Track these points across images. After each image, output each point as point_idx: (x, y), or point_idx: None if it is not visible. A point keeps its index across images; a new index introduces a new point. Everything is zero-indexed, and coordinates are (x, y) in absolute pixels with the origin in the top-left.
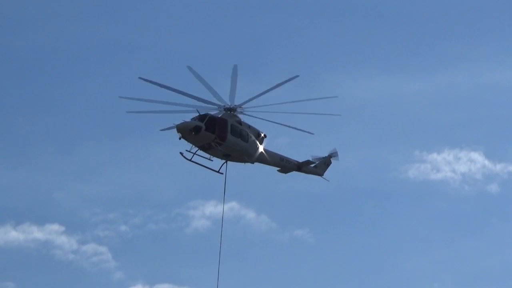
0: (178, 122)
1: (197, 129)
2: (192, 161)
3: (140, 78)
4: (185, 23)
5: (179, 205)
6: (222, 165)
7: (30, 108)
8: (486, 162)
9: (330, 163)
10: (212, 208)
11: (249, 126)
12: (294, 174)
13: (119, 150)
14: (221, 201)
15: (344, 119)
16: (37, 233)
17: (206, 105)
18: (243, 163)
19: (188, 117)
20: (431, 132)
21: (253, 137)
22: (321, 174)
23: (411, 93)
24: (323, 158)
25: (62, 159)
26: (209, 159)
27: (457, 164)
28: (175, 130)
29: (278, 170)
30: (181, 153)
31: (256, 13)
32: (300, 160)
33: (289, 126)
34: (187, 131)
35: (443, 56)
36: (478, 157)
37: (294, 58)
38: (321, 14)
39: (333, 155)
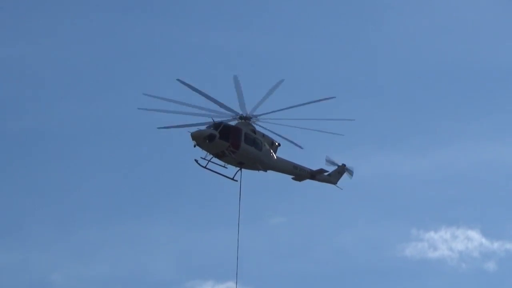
0: (192, 130)
1: (211, 137)
2: (207, 168)
3: (178, 80)
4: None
5: (177, 285)
6: (237, 172)
7: (28, 189)
8: (483, 240)
9: (344, 172)
10: None
11: (263, 135)
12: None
13: (116, 230)
14: (219, 281)
15: (342, 197)
16: None
17: (224, 111)
18: (257, 171)
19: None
20: (428, 211)
21: (267, 146)
22: (334, 183)
23: (408, 171)
24: (337, 166)
25: (59, 239)
26: (224, 167)
27: (454, 242)
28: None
29: (292, 178)
30: (196, 160)
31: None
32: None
33: (284, 138)
34: (202, 139)
35: (439, 135)
36: (475, 235)
37: (295, 135)
38: (319, 90)
39: (348, 170)
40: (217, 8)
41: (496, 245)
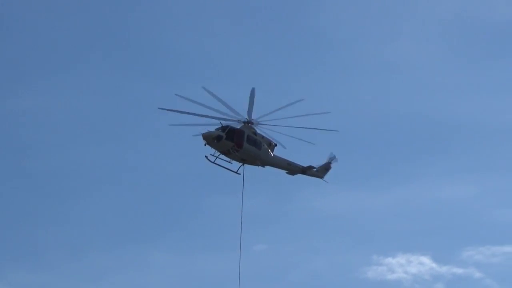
0: (204, 131)
1: (219, 138)
2: (215, 163)
3: (176, 94)
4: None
5: None
6: (240, 167)
7: (45, 221)
8: (434, 265)
9: (330, 168)
10: None
11: (263, 137)
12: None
13: (124, 256)
14: None
15: (314, 228)
16: None
17: (229, 118)
18: (257, 166)
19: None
20: (387, 240)
21: (265, 146)
22: (321, 177)
23: (371, 207)
24: (324, 164)
25: (72, 264)
26: (229, 162)
27: (408, 266)
28: (200, 137)
29: (286, 173)
30: (206, 156)
31: None
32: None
33: (293, 137)
34: (211, 139)
35: (400, 175)
36: (426, 261)
37: (269, 178)
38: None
39: (331, 159)
40: None
41: (444, 269)
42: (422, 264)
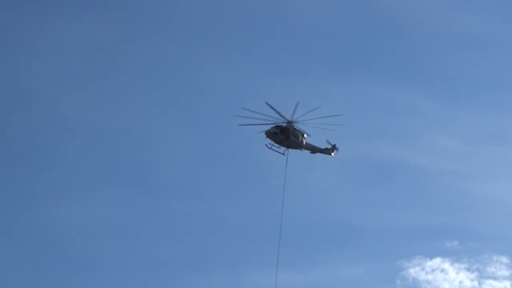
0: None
1: (275, 134)
2: (272, 149)
3: (243, 108)
4: None
5: None
6: (285, 150)
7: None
8: None
9: (335, 149)
10: None
11: (300, 131)
12: None
13: None
14: None
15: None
16: None
17: (280, 119)
18: (298, 150)
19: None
20: None
21: (301, 137)
22: (331, 154)
23: (295, 282)
24: (331, 146)
25: None
26: (279, 148)
27: None
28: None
29: (310, 153)
30: (266, 144)
31: None
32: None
33: (321, 128)
34: (271, 134)
35: (314, 261)
36: None
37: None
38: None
39: (337, 149)
40: None
41: None
42: None
